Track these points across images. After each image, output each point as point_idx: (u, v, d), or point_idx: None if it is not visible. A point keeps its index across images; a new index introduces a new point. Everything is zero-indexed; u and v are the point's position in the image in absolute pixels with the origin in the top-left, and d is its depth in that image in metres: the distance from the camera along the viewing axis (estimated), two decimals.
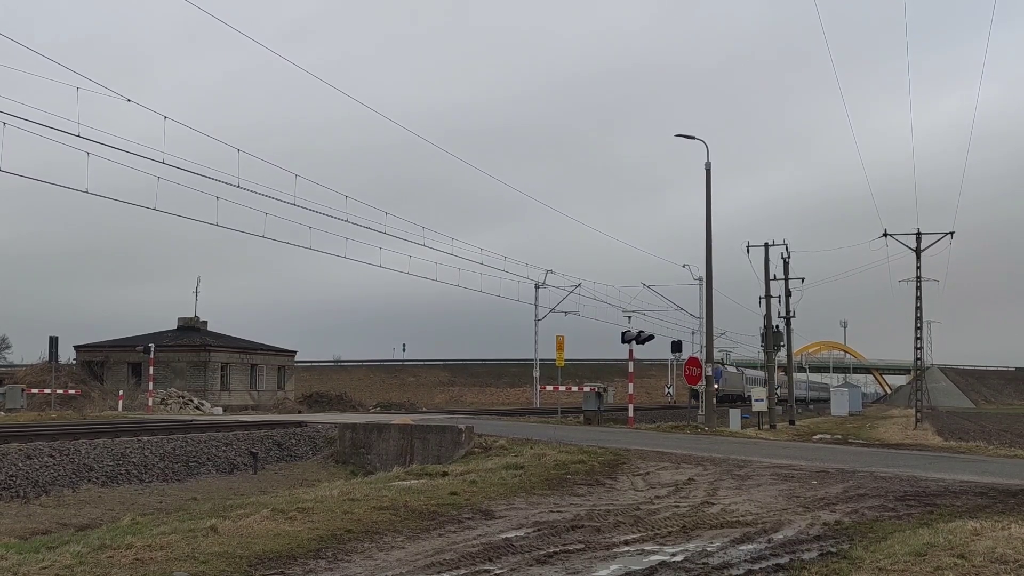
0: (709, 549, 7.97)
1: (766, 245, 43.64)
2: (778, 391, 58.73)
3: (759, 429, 32.13)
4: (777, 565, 7.29)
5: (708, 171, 30.61)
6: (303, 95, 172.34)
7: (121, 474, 15.20)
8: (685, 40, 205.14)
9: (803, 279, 48.19)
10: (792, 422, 43.16)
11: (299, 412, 35.13)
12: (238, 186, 22.29)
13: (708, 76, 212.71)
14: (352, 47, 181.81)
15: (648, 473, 14.06)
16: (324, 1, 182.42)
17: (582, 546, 8.10)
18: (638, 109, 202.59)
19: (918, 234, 45.17)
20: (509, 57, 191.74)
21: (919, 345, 47.25)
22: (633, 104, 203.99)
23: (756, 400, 36.21)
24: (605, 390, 33.90)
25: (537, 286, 57.57)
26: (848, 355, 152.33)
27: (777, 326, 44.20)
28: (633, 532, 8.85)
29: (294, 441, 19.39)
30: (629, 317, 55.60)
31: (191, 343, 50.02)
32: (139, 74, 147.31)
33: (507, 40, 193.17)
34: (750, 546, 8.13)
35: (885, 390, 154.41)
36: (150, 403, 39.10)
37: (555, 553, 7.74)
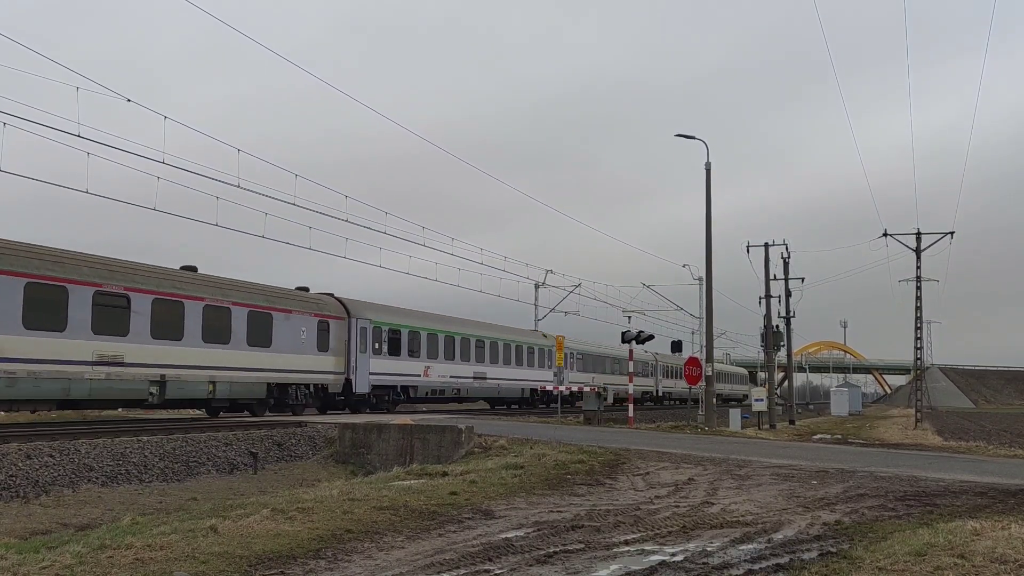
0: (709, 549, 7.97)
1: (766, 245, 43.65)
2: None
3: (759, 429, 32.14)
4: (777, 565, 7.29)
5: (708, 171, 30.63)
6: (303, 111, 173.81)
7: (121, 474, 15.19)
8: (682, 49, 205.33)
9: (803, 279, 48.25)
10: (792, 422, 43.16)
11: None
12: (238, 186, 22.33)
13: (706, 82, 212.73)
14: (349, 67, 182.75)
15: (648, 473, 14.05)
16: (325, 28, 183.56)
17: (582, 546, 8.09)
18: (637, 118, 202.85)
19: (918, 234, 45.19)
20: (497, 78, 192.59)
21: (919, 345, 47.25)
22: (633, 112, 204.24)
23: (756, 400, 36.21)
24: (605, 390, 33.97)
25: (537, 286, 57.54)
26: (848, 355, 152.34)
27: (777, 326, 44.20)
28: (633, 532, 8.85)
29: (294, 441, 19.38)
30: (629, 317, 55.59)
31: None
32: (156, 92, 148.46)
33: (495, 62, 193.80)
34: (750, 546, 8.13)
35: (885, 390, 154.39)
36: None
37: (555, 553, 7.74)
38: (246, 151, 22.38)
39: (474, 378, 38.03)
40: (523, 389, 42.62)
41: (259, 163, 24.02)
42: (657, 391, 61.46)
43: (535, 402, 43.78)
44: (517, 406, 42.82)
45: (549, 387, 40.78)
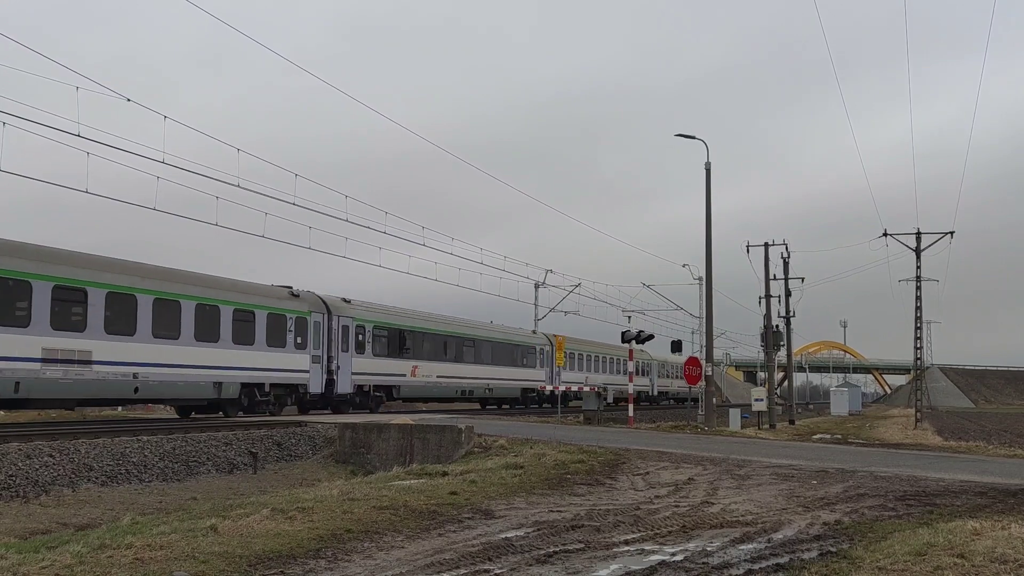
0: (709, 549, 7.97)
1: (766, 245, 43.65)
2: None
3: (759, 429, 32.14)
4: (777, 565, 7.29)
5: (708, 171, 30.63)
6: (303, 111, 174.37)
7: (121, 474, 15.19)
8: (682, 49, 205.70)
9: (803, 279, 48.26)
10: (792, 422, 43.17)
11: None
12: (238, 186, 22.30)
13: (706, 82, 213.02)
14: (349, 67, 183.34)
15: (648, 473, 14.06)
16: (325, 28, 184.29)
17: (582, 546, 8.09)
18: (637, 117, 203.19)
19: (918, 234, 45.20)
20: (497, 77, 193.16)
21: (919, 345, 47.26)
22: (633, 112, 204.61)
23: (756, 400, 36.21)
24: (605, 390, 33.88)
25: (537, 286, 57.56)
26: (848, 355, 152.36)
27: (777, 326, 44.19)
28: (633, 532, 8.85)
29: (294, 441, 19.38)
30: (629, 317, 55.54)
31: None
32: (158, 92, 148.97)
33: (495, 62, 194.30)
34: (750, 546, 8.13)
35: (885, 390, 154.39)
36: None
37: (555, 553, 7.74)
38: (246, 151, 22.35)
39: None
40: (239, 385, 25.37)
41: (259, 163, 23.99)
42: (555, 387, 42.60)
43: (265, 404, 26.57)
44: (221, 412, 26.03)
45: (301, 380, 27.68)
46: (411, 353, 33.72)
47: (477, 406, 41.39)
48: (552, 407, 42.05)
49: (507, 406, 41.67)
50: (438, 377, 34.54)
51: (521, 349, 42.72)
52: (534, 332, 45.16)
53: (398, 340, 33.16)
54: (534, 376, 43.43)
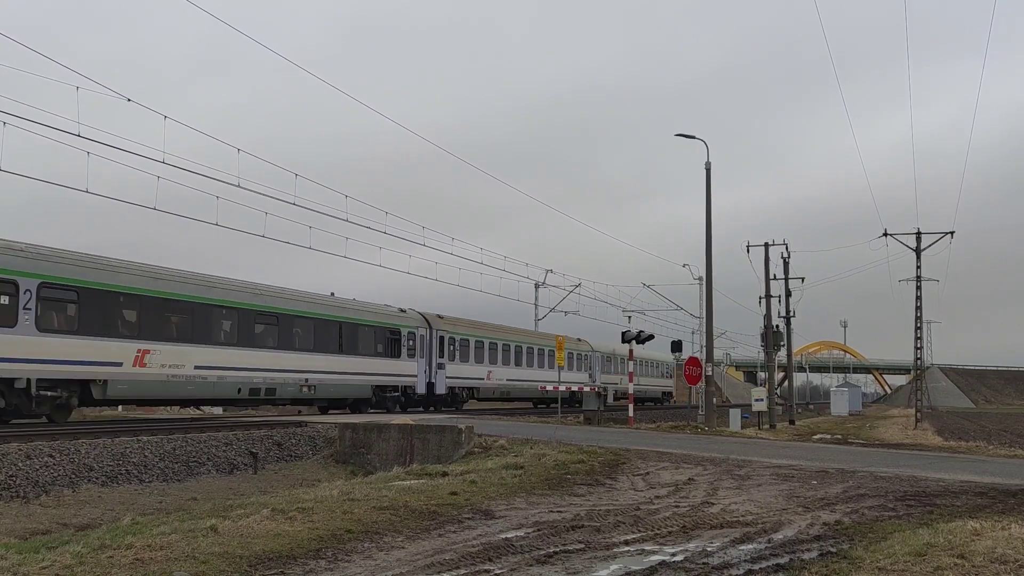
0: (709, 549, 7.97)
1: (766, 245, 43.64)
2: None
3: (759, 429, 32.13)
4: (777, 565, 7.29)
5: (708, 171, 30.63)
6: (303, 112, 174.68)
7: (121, 474, 15.19)
8: (681, 49, 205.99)
9: (803, 279, 48.25)
10: (792, 422, 43.17)
11: (299, 412, 35.09)
12: (238, 186, 22.30)
13: (705, 83, 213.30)
14: (349, 68, 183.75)
15: (648, 473, 14.05)
16: (325, 28, 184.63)
17: (582, 546, 8.09)
18: (637, 118, 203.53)
19: (918, 234, 45.22)
20: (497, 78, 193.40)
21: (919, 345, 47.24)
22: (633, 113, 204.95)
23: (756, 400, 36.21)
24: (605, 390, 33.92)
25: (537, 286, 57.59)
26: (848, 355, 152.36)
27: (777, 326, 44.17)
28: (633, 532, 8.85)
29: (294, 441, 19.38)
30: (629, 317, 55.53)
31: None
32: (160, 93, 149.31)
33: (495, 62, 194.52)
34: (750, 546, 8.13)
35: (885, 390, 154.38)
36: None
37: (555, 553, 7.74)
38: (246, 151, 22.33)
39: None
40: None
41: (259, 163, 23.98)
42: (430, 381, 34.47)
43: None
44: None
45: None
46: (135, 331, 21.65)
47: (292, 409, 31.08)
48: (434, 409, 34.51)
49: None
50: (198, 368, 22.96)
51: (374, 331, 31.13)
52: (403, 311, 33.99)
53: (104, 310, 20.87)
54: (397, 369, 32.18)
